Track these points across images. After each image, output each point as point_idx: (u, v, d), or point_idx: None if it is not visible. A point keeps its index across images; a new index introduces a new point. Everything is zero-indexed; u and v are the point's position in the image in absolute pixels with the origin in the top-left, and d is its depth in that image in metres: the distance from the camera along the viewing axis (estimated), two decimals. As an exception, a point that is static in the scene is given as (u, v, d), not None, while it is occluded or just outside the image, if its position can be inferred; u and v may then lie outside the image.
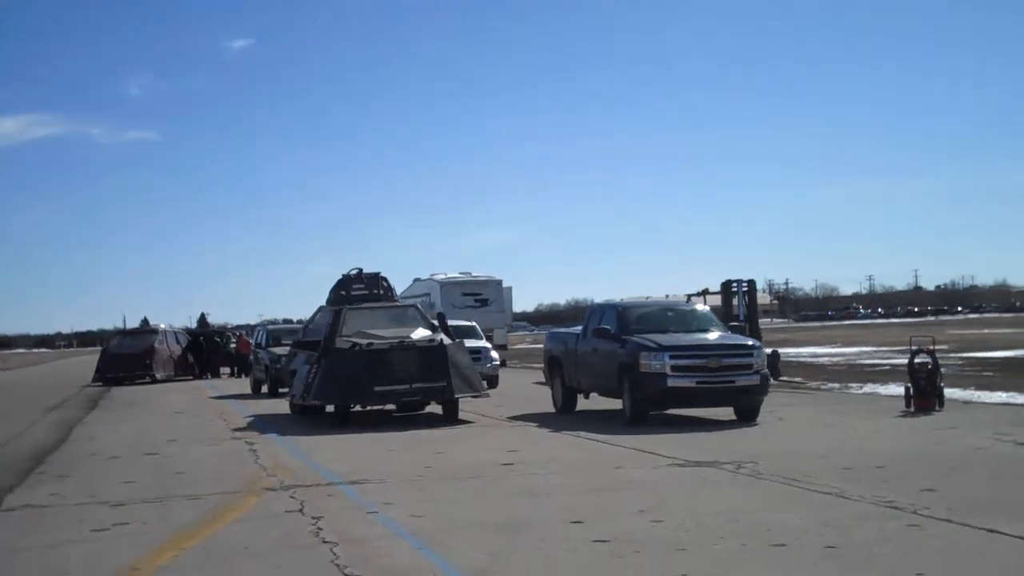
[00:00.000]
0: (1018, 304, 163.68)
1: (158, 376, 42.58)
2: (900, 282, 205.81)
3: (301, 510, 10.56)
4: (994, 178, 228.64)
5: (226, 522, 10.17)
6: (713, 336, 18.82)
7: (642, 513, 9.80)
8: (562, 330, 23.88)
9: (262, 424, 21.06)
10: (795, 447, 14.63)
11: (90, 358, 65.69)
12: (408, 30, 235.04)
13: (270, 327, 36.38)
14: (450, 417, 20.03)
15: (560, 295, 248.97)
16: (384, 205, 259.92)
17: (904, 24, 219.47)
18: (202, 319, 77.16)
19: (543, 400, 23.14)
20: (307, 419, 21.22)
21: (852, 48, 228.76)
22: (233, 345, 45.44)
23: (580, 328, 21.36)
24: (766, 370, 18.47)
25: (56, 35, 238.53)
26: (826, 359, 41.97)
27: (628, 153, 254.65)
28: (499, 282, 45.82)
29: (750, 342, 18.93)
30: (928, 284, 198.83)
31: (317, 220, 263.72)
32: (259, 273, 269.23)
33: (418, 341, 20.06)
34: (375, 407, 21.17)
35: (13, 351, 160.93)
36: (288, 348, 29.14)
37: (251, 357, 35.71)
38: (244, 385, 36.83)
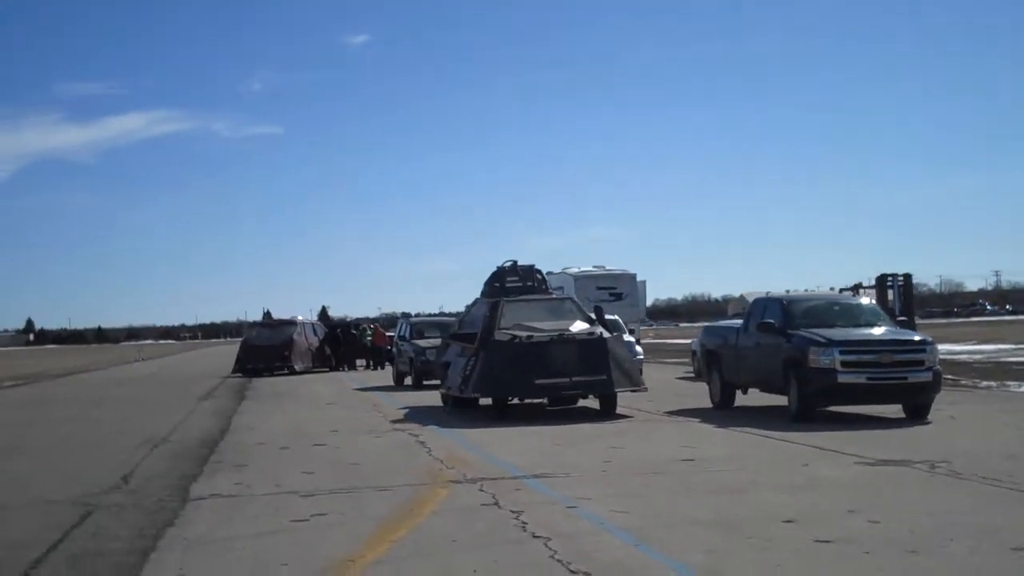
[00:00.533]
0: None
1: (296, 368, 43.07)
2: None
3: (496, 503, 10.45)
4: None
5: (424, 514, 10.10)
6: (880, 331, 18.28)
7: (852, 513, 9.48)
8: (719, 324, 23.47)
9: (418, 416, 21.08)
10: (979, 446, 14.14)
11: (219, 349, 67.13)
12: (525, 23, 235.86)
13: (413, 320, 36.57)
14: (608, 411, 19.69)
15: (676, 291, 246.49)
16: (496, 200, 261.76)
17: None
18: (323, 312, 78.30)
19: (695, 395, 22.83)
20: (461, 412, 21.17)
21: (997, 31, 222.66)
22: (369, 337, 45.85)
23: (738, 322, 20.97)
24: (938, 367, 17.90)
25: (180, 32, 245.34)
26: (965, 356, 40.77)
27: (746, 149, 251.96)
28: (633, 276, 45.17)
29: (919, 337, 18.35)
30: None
31: (434, 214, 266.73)
32: (374, 267, 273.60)
33: (578, 334, 19.81)
34: (530, 400, 21.04)
35: (143, 342, 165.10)
36: (431, 340, 29.43)
37: (393, 349, 35.95)
38: (382, 377, 37.08)
